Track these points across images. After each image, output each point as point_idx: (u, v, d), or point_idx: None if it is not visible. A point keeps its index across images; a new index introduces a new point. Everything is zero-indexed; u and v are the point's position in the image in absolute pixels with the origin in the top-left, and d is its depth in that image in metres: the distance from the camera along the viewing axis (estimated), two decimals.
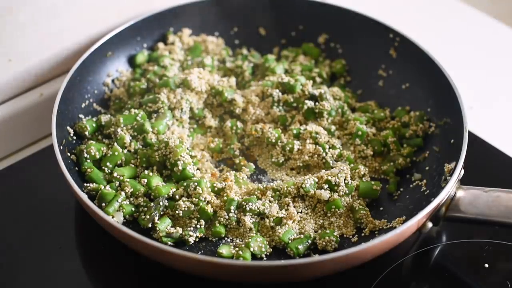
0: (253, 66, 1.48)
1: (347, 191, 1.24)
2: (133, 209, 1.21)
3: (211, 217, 1.21)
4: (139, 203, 1.21)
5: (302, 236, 1.19)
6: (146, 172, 1.26)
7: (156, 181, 1.24)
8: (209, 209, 1.21)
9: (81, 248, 1.23)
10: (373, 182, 1.27)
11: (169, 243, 1.17)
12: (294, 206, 1.24)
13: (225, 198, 1.23)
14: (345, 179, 1.24)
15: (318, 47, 1.53)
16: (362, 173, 1.28)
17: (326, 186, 1.23)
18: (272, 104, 1.37)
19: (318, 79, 1.46)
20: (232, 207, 1.21)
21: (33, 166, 1.36)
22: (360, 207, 1.24)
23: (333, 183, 1.23)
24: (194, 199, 1.21)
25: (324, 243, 1.18)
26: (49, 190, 1.30)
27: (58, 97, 1.27)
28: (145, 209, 1.21)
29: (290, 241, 1.18)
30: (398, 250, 1.17)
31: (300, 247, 1.17)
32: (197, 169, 1.28)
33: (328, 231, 1.19)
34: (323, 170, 1.28)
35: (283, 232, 1.19)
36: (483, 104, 1.51)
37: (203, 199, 1.22)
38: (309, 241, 1.18)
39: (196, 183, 1.22)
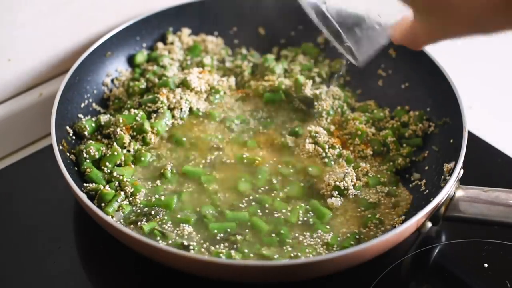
0: (253, 65, 1.48)
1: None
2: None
3: None
4: None
5: None
6: None
7: None
8: None
9: (80, 248, 1.23)
10: (379, 175, 1.26)
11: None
12: None
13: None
14: (351, 181, 1.24)
15: (317, 46, 1.53)
16: (366, 170, 1.27)
17: (336, 193, 1.23)
18: None
19: (317, 79, 1.45)
20: None
21: (33, 166, 1.36)
22: None
23: (342, 188, 1.22)
24: None
25: None
26: (49, 190, 1.30)
27: (57, 97, 1.27)
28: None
29: None
30: (397, 250, 1.17)
31: None
32: None
33: None
34: (327, 176, 1.26)
35: None
36: (483, 104, 1.51)
37: None
38: None
39: None
